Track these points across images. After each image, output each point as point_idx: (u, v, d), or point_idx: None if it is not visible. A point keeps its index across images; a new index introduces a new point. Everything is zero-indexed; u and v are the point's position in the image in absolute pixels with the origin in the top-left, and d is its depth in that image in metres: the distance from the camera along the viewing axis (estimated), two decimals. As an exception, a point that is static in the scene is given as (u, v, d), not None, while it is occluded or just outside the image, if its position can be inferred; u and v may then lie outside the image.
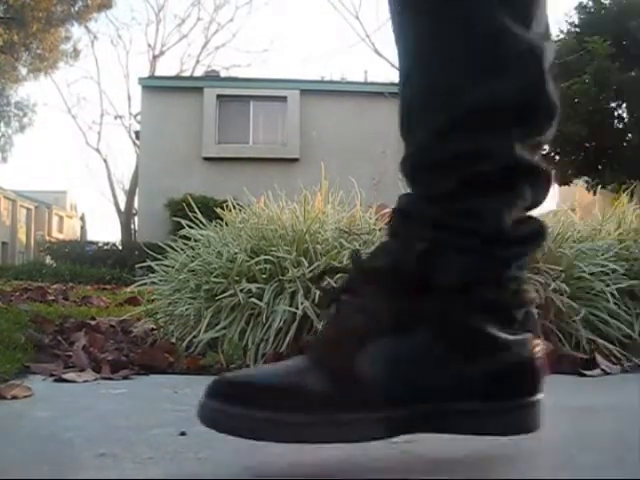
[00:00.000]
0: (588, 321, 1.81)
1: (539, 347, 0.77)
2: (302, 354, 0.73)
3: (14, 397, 1.14)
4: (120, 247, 15.01)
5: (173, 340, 1.87)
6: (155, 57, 27.65)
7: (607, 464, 0.79)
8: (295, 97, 14.81)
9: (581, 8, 13.53)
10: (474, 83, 0.71)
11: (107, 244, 15.31)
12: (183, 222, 2.24)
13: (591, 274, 1.87)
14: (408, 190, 0.81)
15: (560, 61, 12.29)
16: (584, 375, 1.56)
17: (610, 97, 12.18)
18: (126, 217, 26.28)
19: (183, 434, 0.88)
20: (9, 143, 28.58)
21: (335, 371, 0.69)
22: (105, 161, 30.45)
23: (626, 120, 12.94)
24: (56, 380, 1.37)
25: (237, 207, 2.27)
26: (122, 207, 27.21)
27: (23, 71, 23.37)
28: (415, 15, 0.74)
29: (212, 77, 17.48)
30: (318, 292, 1.64)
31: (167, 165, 14.27)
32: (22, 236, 38.83)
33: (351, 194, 2.19)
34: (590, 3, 13.39)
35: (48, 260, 15.15)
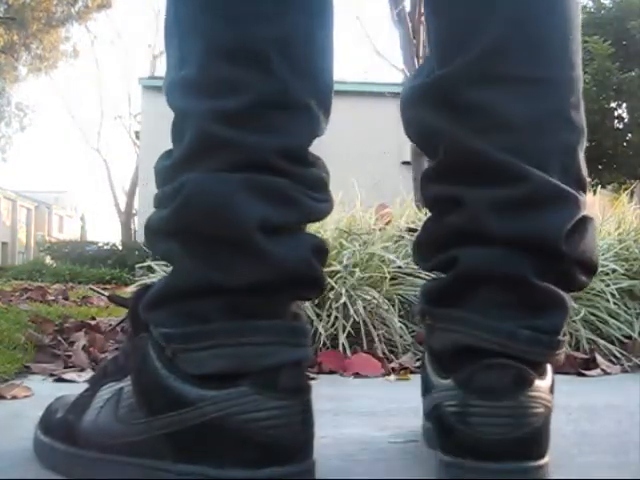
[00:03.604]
0: (588, 321, 1.81)
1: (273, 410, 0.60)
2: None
3: (14, 397, 1.14)
4: (120, 247, 15.00)
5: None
6: (155, 57, 27.68)
7: (607, 464, 0.79)
8: (295, 97, 14.79)
9: (581, 8, 13.51)
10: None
11: (107, 244, 15.30)
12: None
13: (591, 274, 1.87)
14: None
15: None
16: (584, 375, 1.56)
17: (610, 97, 12.18)
18: (126, 217, 26.32)
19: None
20: (9, 143, 28.59)
21: None
22: (105, 161, 30.55)
23: (626, 120, 12.93)
24: (56, 380, 1.37)
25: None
26: (122, 207, 27.25)
27: (23, 71, 23.41)
28: None
29: (212, 77, 17.43)
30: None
31: (167, 165, 14.22)
32: (22, 236, 38.81)
33: (351, 194, 2.19)
34: (590, 3, 13.39)
35: (48, 260, 15.14)
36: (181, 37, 0.67)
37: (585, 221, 0.67)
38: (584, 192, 0.68)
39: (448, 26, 0.70)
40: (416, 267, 1.82)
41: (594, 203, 2.53)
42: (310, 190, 0.65)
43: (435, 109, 0.69)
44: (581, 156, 0.69)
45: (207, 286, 0.61)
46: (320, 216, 0.67)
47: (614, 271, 1.90)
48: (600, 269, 1.90)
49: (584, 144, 0.70)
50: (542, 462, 0.62)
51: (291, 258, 0.62)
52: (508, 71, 0.66)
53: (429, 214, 0.75)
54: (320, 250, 0.66)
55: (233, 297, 0.61)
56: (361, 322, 1.67)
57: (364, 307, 1.70)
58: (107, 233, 52.99)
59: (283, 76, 0.63)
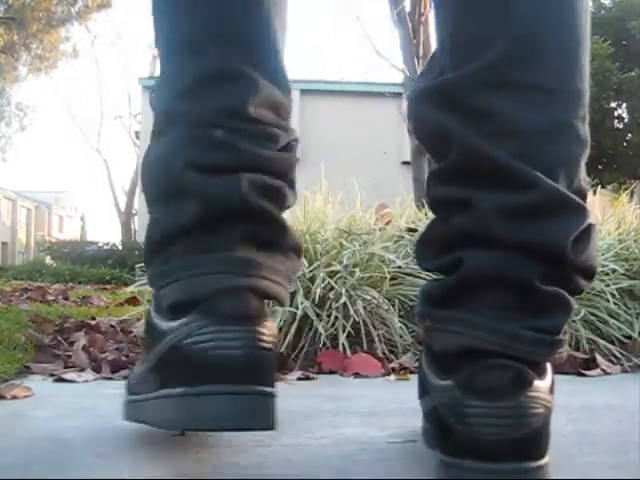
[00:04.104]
0: (588, 321, 1.81)
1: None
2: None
3: (14, 397, 1.14)
4: (120, 247, 15.00)
5: (173, 340, 1.86)
6: (155, 57, 27.67)
7: (607, 464, 0.79)
8: (295, 97, 14.80)
9: (581, 8, 13.49)
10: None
11: (107, 244, 15.30)
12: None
13: (591, 274, 1.87)
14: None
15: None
16: (584, 375, 1.56)
17: (610, 97, 12.18)
18: (126, 217, 26.32)
19: (182, 434, 0.88)
20: (9, 143, 28.58)
21: None
22: (105, 161, 30.55)
23: (626, 120, 12.93)
24: (56, 380, 1.37)
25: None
26: (122, 207, 27.24)
27: (23, 71, 23.40)
28: None
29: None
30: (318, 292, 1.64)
31: (167, 165, 14.21)
32: (22, 236, 38.80)
33: (351, 194, 2.19)
34: (590, 3, 13.36)
35: (48, 260, 15.13)
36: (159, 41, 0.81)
37: (589, 229, 0.68)
38: (584, 202, 0.69)
39: (462, 30, 0.70)
40: (416, 267, 1.82)
41: (594, 203, 2.53)
42: (251, 137, 0.72)
43: (447, 111, 0.69)
44: (583, 168, 0.70)
45: (167, 232, 0.72)
46: (267, 163, 0.73)
47: (614, 271, 1.90)
48: (600, 269, 1.90)
49: (586, 156, 0.70)
50: (542, 462, 0.62)
51: (222, 193, 0.70)
52: (519, 78, 0.67)
53: (432, 215, 0.75)
54: (262, 187, 0.72)
55: (188, 238, 0.71)
56: (361, 322, 1.67)
57: (364, 307, 1.70)
58: (107, 233, 53.08)
59: (218, 55, 0.74)
